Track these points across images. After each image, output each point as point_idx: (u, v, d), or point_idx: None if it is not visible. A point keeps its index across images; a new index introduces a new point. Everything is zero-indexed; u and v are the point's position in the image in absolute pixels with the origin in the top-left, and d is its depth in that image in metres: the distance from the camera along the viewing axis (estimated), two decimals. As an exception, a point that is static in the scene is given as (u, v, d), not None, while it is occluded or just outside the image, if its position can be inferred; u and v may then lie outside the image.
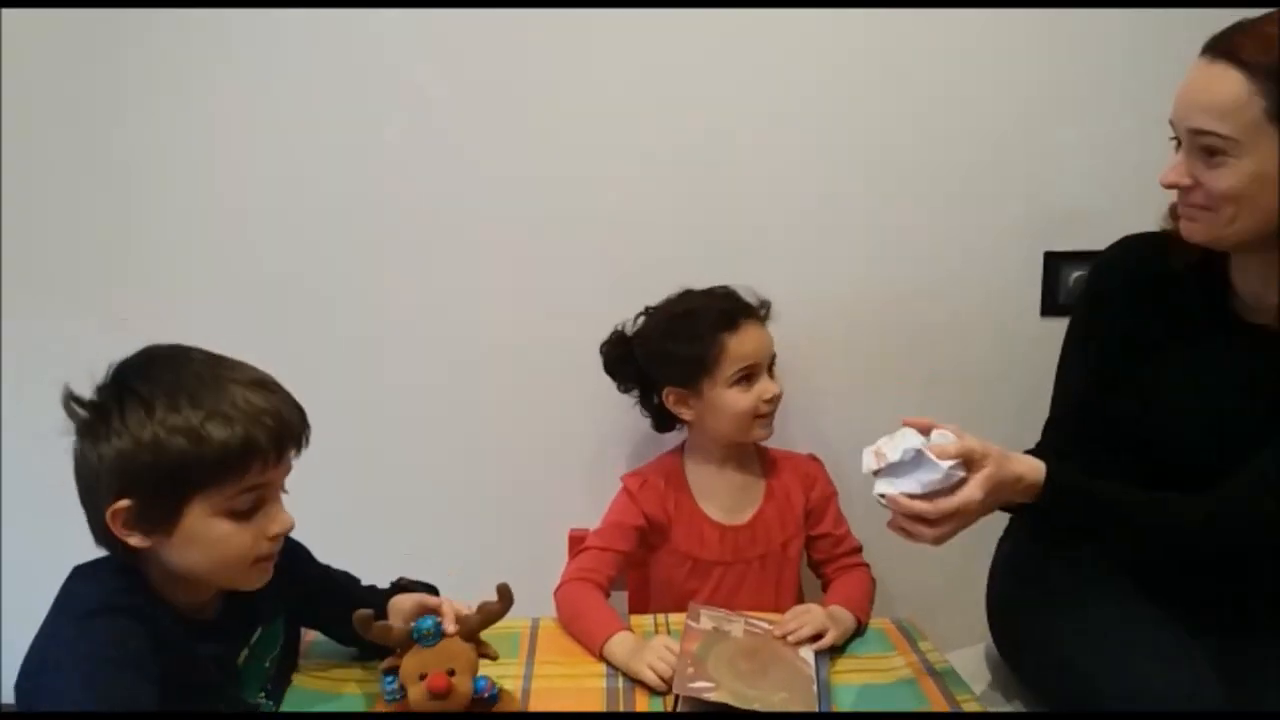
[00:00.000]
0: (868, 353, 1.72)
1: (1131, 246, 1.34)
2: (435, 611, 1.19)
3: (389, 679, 1.17)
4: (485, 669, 1.20)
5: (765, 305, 1.61)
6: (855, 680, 1.34)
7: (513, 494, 1.77)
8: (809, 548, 1.62)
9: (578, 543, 1.66)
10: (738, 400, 1.53)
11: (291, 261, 1.67)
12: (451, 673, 1.14)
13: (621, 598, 1.66)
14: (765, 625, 1.41)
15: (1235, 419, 1.23)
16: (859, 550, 1.61)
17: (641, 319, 1.62)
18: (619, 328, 1.63)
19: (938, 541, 1.16)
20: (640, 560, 1.61)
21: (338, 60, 1.60)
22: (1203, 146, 1.13)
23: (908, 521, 1.16)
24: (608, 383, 1.66)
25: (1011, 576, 1.44)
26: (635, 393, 1.65)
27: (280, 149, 1.63)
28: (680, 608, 1.49)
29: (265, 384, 1.06)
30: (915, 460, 1.15)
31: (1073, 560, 1.34)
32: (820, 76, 1.62)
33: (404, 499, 1.76)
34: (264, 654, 1.18)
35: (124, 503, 0.99)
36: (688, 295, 1.60)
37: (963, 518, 1.15)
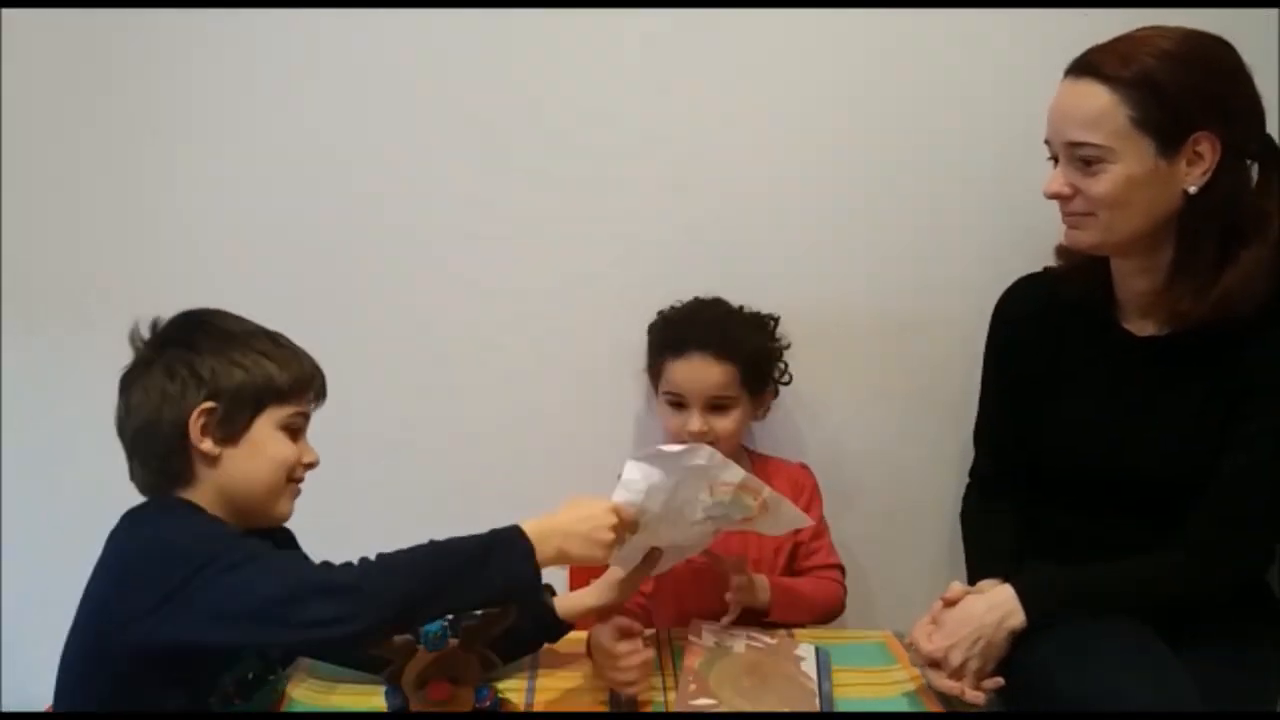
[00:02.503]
0: (866, 363, 1.72)
1: (1022, 287, 1.46)
2: None
3: (391, 689, 1.16)
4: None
5: (778, 347, 1.61)
6: (858, 694, 1.33)
7: (512, 503, 1.75)
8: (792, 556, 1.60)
9: (579, 555, 1.66)
10: (667, 417, 1.57)
11: (290, 267, 1.66)
12: (453, 681, 1.14)
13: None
14: (768, 640, 1.41)
15: (1135, 433, 1.32)
16: (837, 568, 1.59)
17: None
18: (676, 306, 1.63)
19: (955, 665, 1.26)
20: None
21: (344, 61, 1.60)
22: (1079, 157, 1.23)
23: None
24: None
25: None
26: None
27: (283, 155, 1.63)
28: (680, 617, 1.49)
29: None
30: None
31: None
32: (825, 86, 1.63)
33: (403, 508, 1.75)
34: None
35: (209, 404, 1.14)
36: (694, 304, 1.60)
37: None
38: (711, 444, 1.50)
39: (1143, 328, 1.33)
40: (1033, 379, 1.41)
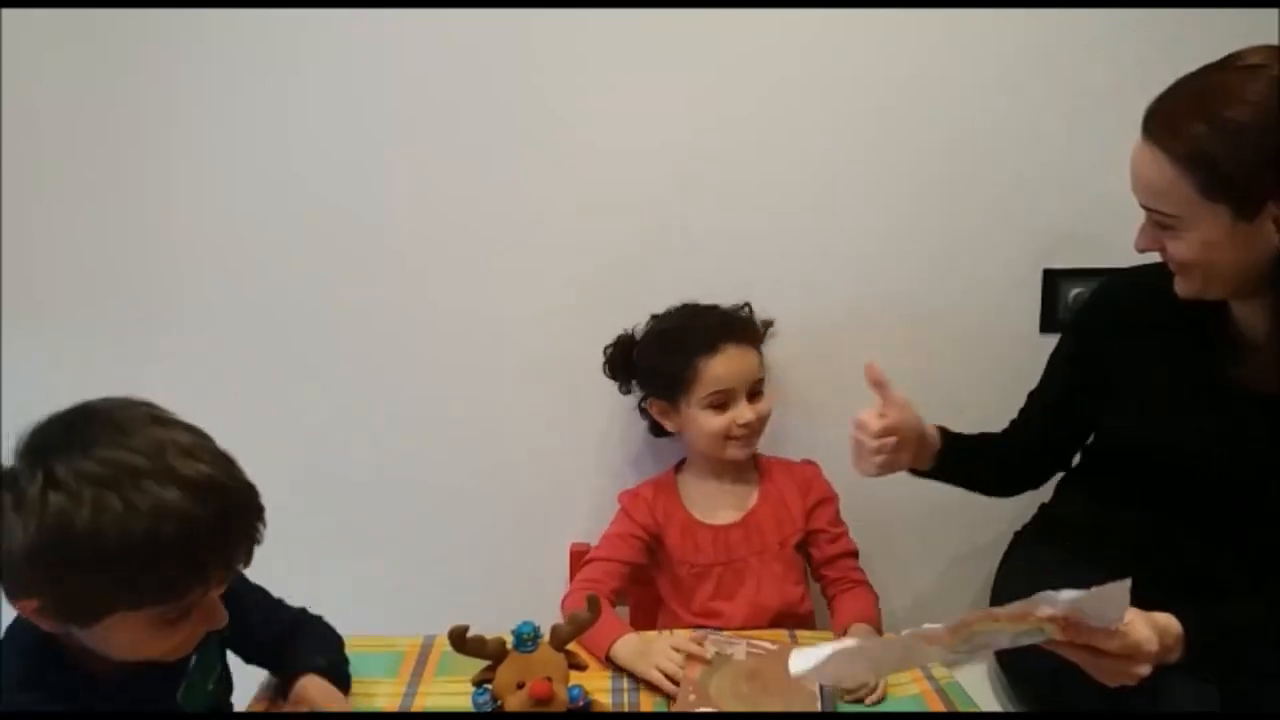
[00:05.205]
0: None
1: (1122, 280, 1.39)
2: None
3: (479, 691, 1.16)
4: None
5: (765, 325, 1.63)
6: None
7: (513, 508, 1.76)
8: (808, 545, 1.61)
9: (579, 556, 1.66)
10: (709, 421, 1.55)
11: (291, 274, 1.66)
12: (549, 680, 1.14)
13: (623, 615, 1.65)
14: (769, 646, 1.40)
15: (1223, 445, 1.24)
16: (856, 555, 1.60)
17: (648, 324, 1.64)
18: (627, 331, 1.64)
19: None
20: (646, 577, 1.61)
21: (344, 68, 1.60)
22: (1155, 221, 1.18)
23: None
24: (609, 396, 1.66)
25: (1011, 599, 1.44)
26: (637, 395, 1.66)
27: (283, 158, 1.62)
28: (685, 619, 1.52)
29: (198, 484, 0.90)
30: None
31: (1072, 581, 1.35)
32: (821, 91, 1.63)
33: (404, 514, 1.75)
34: (204, 678, 1.13)
35: (33, 603, 0.89)
36: (684, 310, 1.62)
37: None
38: (753, 427, 1.53)
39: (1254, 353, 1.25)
40: (1113, 365, 1.35)
